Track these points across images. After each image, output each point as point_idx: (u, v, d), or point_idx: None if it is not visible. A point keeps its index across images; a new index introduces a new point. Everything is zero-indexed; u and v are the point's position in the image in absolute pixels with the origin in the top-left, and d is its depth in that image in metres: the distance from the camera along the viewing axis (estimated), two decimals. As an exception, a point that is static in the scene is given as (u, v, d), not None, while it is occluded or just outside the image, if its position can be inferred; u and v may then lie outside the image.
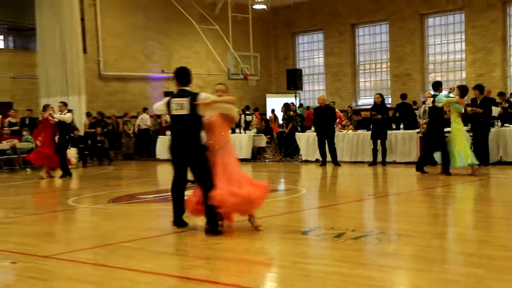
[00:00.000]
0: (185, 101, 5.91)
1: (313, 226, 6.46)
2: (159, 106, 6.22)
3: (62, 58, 19.88)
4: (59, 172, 14.10)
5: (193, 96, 5.94)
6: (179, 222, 6.18)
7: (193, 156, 5.92)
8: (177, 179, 6.16)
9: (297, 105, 21.17)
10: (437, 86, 11.55)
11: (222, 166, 5.91)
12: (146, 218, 7.55)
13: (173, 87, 23.78)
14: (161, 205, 9.00)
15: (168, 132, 18.99)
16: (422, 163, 11.56)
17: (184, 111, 5.91)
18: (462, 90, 11.24)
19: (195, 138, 5.93)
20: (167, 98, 6.10)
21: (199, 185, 5.98)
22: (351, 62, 24.74)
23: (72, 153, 16.80)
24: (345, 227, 6.13)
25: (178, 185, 6.18)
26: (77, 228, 7.15)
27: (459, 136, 10.85)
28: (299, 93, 24.54)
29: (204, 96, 5.95)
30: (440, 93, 11.46)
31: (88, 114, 19.93)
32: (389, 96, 23.08)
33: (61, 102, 14.21)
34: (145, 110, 21.49)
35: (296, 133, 17.20)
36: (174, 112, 5.97)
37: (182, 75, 6.09)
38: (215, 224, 5.88)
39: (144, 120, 21.24)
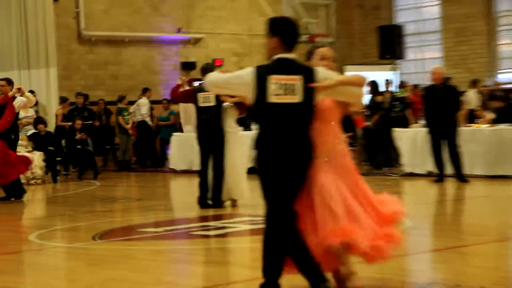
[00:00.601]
0: (297, 81, 5.55)
1: (425, 281, 6.39)
2: (231, 83, 5.67)
3: (20, 12, 20.20)
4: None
5: (309, 73, 5.60)
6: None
7: (305, 171, 5.63)
8: (283, 218, 5.54)
9: (396, 83, 20.98)
10: None
11: (358, 190, 5.82)
12: (153, 265, 7.56)
13: (196, 54, 24.17)
14: (177, 244, 9.03)
15: (188, 127, 19.09)
16: None
17: (295, 98, 5.54)
18: None
19: (310, 142, 5.62)
20: (250, 70, 5.58)
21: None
22: (486, 13, 24.32)
23: (36, 159, 17.08)
24: (478, 283, 6.06)
25: (285, 230, 5.54)
26: (45, 279, 7.17)
27: None
28: (400, 65, 24.34)
29: (326, 74, 5.66)
30: None
31: (63, 99, 20.25)
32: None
33: (3, 80, 14.06)
34: (145, 92, 21.51)
35: (394, 130, 17.05)
36: (276, 99, 5.51)
37: (290, 31, 5.66)
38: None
39: (139, 108, 21.37)
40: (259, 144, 5.58)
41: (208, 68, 11.91)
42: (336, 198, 5.70)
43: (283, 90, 5.49)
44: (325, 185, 5.72)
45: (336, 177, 5.76)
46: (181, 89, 12.02)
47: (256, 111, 5.63)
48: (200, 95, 11.64)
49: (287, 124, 5.52)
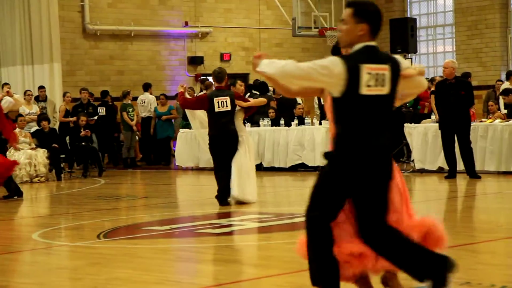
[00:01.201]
0: (386, 70, 5.23)
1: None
2: (315, 73, 5.10)
3: (24, 5, 20.24)
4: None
5: (395, 62, 5.32)
6: None
7: (391, 176, 5.27)
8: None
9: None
10: None
11: (401, 184, 5.65)
12: (158, 264, 7.59)
13: (204, 48, 24.17)
14: (183, 242, 9.07)
15: (196, 123, 18.90)
16: None
17: (385, 90, 5.19)
18: None
19: (395, 140, 5.38)
20: (336, 60, 5.14)
21: (366, 226, 5.19)
22: (501, 5, 24.28)
23: (39, 157, 17.14)
24: (489, 280, 6.08)
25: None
26: (48, 278, 7.21)
27: None
28: (411, 59, 24.31)
29: (405, 64, 5.43)
30: None
31: (66, 95, 20.30)
32: None
33: None
34: (147, 88, 21.40)
35: (405, 125, 17.06)
36: (368, 91, 5.15)
37: (378, 18, 5.35)
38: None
39: (147, 104, 21.32)
40: (345, 141, 5.15)
41: (222, 73, 12.06)
42: (398, 197, 5.57)
43: (375, 80, 5.14)
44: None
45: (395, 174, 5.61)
46: (186, 96, 12.15)
47: (343, 105, 5.17)
48: (216, 100, 11.71)
49: (377, 119, 5.18)
